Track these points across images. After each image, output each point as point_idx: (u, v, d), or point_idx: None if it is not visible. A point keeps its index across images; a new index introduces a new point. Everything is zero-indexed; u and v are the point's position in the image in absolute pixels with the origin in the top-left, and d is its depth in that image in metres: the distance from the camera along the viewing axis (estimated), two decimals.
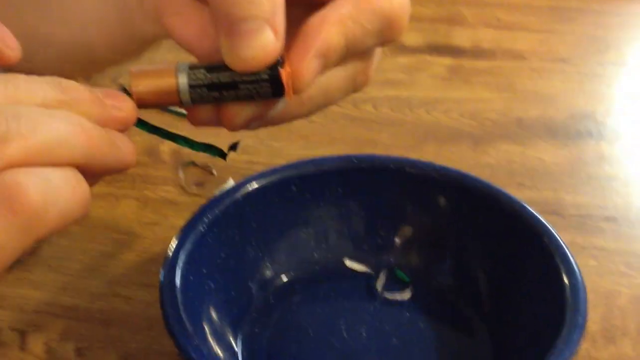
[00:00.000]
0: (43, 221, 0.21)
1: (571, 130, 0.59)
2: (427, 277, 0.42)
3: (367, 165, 0.43)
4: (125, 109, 0.26)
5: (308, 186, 0.42)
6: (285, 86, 0.26)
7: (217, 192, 0.45)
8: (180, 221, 0.39)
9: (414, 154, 0.53)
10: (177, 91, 0.26)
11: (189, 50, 0.32)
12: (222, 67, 0.26)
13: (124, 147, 0.25)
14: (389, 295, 0.41)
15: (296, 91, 0.26)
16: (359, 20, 0.27)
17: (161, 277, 0.35)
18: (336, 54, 0.27)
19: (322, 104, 0.29)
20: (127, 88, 0.27)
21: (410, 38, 0.73)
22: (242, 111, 0.27)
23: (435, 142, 0.57)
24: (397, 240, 0.43)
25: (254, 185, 0.41)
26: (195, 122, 0.29)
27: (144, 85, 0.27)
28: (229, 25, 0.25)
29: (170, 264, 0.35)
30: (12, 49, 0.23)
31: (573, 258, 0.36)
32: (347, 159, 0.43)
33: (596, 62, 0.70)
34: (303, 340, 0.39)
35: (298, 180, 0.42)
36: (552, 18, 0.78)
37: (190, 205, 0.49)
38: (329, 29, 0.26)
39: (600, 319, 0.41)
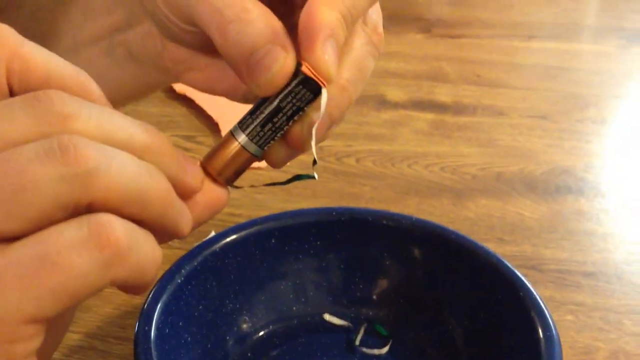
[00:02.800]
0: (124, 263, 0.21)
1: (550, 186, 0.60)
2: (405, 331, 0.42)
3: (346, 218, 0.43)
4: (195, 176, 0.27)
5: (288, 238, 0.42)
6: (314, 78, 0.27)
7: (197, 244, 0.44)
8: (161, 274, 0.39)
9: (395, 208, 0.55)
10: (243, 148, 0.28)
11: (224, 96, 0.35)
12: (260, 102, 0.28)
13: (185, 216, 0.26)
14: (368, 350, 0.41)
15: (329, 79, 0.27)
16: None
17: (136, 328, 0.35)
18: (340, 28, 0.28)
19: (360, 79, 0.30)
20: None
21: (393, 94, 0.74)
22: (302, 127, 0.28)
23: (417, 196, 0.58)
24: (375, 293, 0.43)
25: (233, 236, 0.41)
26: (276, 164, 0.30)
27: (217, 164, 0.28)
28: (244, 64, 0.27)
29: (145, 316, 0.35)
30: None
31: (548, 312, 0.36)
32: (327, 211, 0.43)
33: (575, 120, 0.71)
34: None
35: (278, 232, 0.42)
36: (533, 76, 0.80)
37: (172, 257, 0.48)
38: (320, 12, 0.27)
39: None
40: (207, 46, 0.31)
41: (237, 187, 0.30)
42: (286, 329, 0.42)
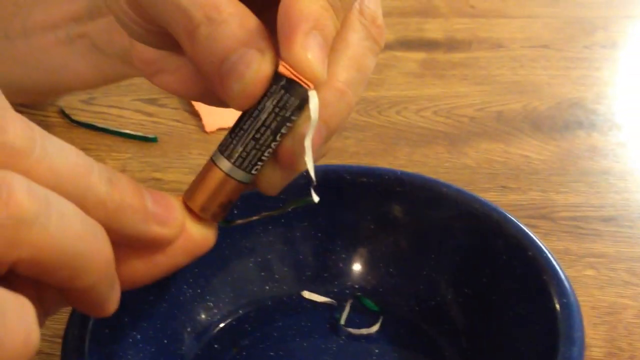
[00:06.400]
0: None
1: (558, 122, 0.56)
2: (396, 304, 0.37)
3: (319, 178, 0.37)
4: (171, 222, 0.24)
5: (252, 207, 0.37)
6: (297, 79, 0.23)
7: None
8: None
9: (384, 161, 0.51)
10: (228, 175, 0.25)
11: (200, 101, 0.32)
12: (239, 118, 0.25)
13: (115, 294, 0.24)
14: (355, 331, 0.36)
15: (315, 79, 0.24)
16: None
17: (64, 333, 0.30)
18: (326, 18, 0.24)
19: (360, 81, 0.26)
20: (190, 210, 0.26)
21: None
22: (293, 141, 0.25)
23: (408, 145, 0.53)
24: (360, 263, 0.39)
25: None
26: (269, 190, 0.27)
27: (200, 199, 0.25)
28: (216, 73, 0.24)
29: (76, 317, 0.30)
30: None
31: (564, 273, 0.32)
32: None
33: (582, 46, 0.67)
34: None
35: (240, 200, 0.37)
36: (532, 1, 0.75)
37: None
38: (299, 0, 0.24)
39: (603, 340, 0.38)
40: (177, 47, 0.27)
41: (227, 224, 0.27)
42: (259, 312, 0.37)
